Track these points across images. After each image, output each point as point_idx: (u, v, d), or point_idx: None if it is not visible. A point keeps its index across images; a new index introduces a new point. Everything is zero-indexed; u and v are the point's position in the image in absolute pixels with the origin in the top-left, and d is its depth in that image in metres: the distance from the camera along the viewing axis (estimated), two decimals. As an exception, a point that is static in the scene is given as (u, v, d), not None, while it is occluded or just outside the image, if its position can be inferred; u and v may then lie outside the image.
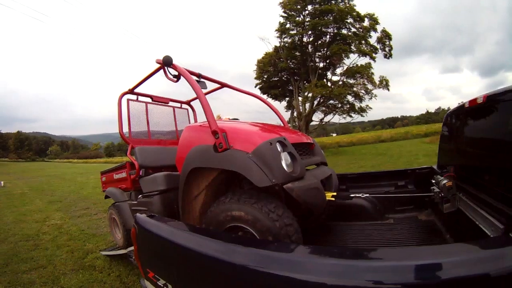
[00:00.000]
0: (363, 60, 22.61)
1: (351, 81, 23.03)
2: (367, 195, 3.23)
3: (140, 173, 3.43)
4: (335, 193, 2.41)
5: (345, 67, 23.14)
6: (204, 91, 2.52)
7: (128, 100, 3.75)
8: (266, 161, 1.89)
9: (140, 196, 3.37)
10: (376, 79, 22.54)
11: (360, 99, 23.01)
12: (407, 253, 1.27)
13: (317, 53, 23.97)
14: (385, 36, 22.56)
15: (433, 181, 2.63)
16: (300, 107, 24.28)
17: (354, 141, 30.60)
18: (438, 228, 2.70)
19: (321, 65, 24.12)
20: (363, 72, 22.02)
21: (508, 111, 1.70)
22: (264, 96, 22.29)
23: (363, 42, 22.26)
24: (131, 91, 3.67)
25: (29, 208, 8.06)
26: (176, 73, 2.53)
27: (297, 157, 2.11)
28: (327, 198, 2.19)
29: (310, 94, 23.20)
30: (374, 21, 22.00)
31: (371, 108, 23.44)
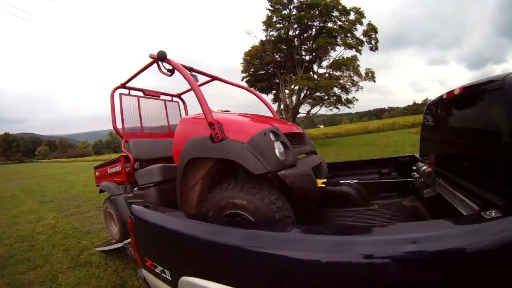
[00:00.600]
0: (349, 53, 22.84)
1: (338, 73, 23.24)
2: (356, 181, 3.37)
3: (136, 166, 3.46)
4: (325, 180, 2.48)
5: (331, 60, 23.30)
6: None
7: (121, 94, 3.74)
8: (261, 150, 1.95)
9: (135, 188, 3.38)
10: (362, 71, 22.81)
11: (347, 91, 23.26)
12: (387, 229, 1.41)
13: (303, 46, 24.08)
14: (371, 29, 22.76)
15: (414, 168, 2.76)
16: (287, 100, 24.36)
17: (342, 132, 30.87)
18: (421, 213, 2.80)
19: (307, 58, 24.24)
20: (349, 64, 22.22)
21: (481, 102, 1.81)
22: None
23: (349, 35, 22.40)
24: (123, 86, 3.66)
25: (21, 209, 7.98)
26: (170, 68, 2.56)
27: (289, 146, 2.19)
28: (318, 185, 2.28)
29: (296, 87, 23.31)
30: (360, 14, 22.13)
31: (357, 100, 23.75)
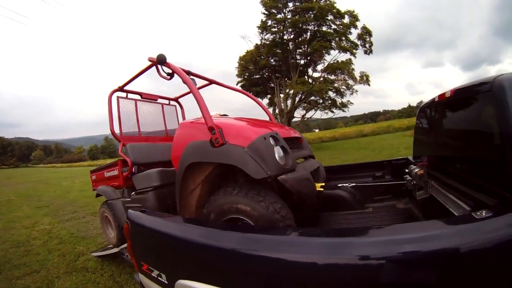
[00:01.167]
0: (344, 56, 22.98)
1: (332, 77, 23.36)
2: (354, 184, 3.38)
3: (133, 170, 3.41)
4: (323, 184, 2.51)
5: (326, 64, 23.45)
6: None
7: (118, 97, 3.74)
8: (261, 155, 1.96)
9: (133, 193, 3.36)
10: (357, 75, 22.94)
11: (342, 95, 23.37)
12: (376, 231, 1.41)
13: (298, 50, 24.16)
14: (366, 33, 22.92)
15: (406, 171, 2.78)
16: (282, 104, 24.43)
17: (337, 136, 30.97)
18: (415, 215, 2.82)
19: (302, 62, 24.38)
20: (344, 68, 22.34)
21: (472, 104, 1.83)
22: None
23: (343, 38, 22.55)
24: (121, 89, 3.63)
25: (17, 214, 7.92)
26: (170, 71, 2.54)
27: (289, 151, 2.21)
28: (316, 189, 2.29)
29: (291, 91, 23.36)
30: (354, 18, 22.28)
31: (352, 103, 23.82)
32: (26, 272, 3.78)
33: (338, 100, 23.62)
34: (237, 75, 26.50)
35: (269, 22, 23.13)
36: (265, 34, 23.74)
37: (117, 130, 3.68)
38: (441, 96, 2.25)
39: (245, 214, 2.01)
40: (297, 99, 24.01)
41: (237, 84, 26.11)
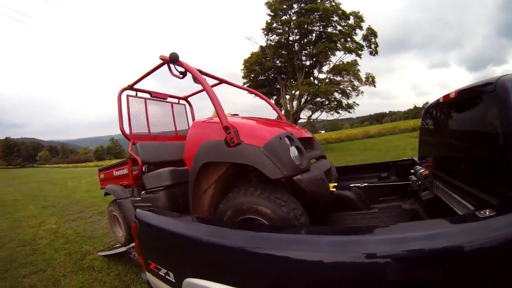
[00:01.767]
0: (349, 58, 22.89)
1: (338, 78, 23.25)
2: (366, 184, 3.39)
3: (144, 169, 3.40)
4: (336, 184, 2.51)
5: (332, 65, 23.36)
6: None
7: (128, 96, 3.74)
8: (277, 155, 1.96)
9: (143, 192, 3.35)
10: (363, 76, 22.85)
11: (347, 96, 23.25)
12: (379, 229, 1.42)
13: (303, 51, 24.10)
14: (371, 34, 22.82)
15: (412, 171, 2.78)
16: (288, 105, 24.37)
17: (343, 137, 30.86)
18: (421, 215, 2.82)
19: (308, 63, 24.27)
20: (350, 69, 22.24)
21: (476, 104, 1.84)
22: (251, 96, 22.35)
23: (348, 39, 22.46)
24: (130, 87, 3.66)
25: (23, 214, 7.99)
26: (182, 70, 2.53)
27: (303, 151, 2.21)
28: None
29: (297, 92, 23.31)
30: (359, 19, 22.19)
31: (358, 104, 23.68)
32: (33, 270, 3.82)
33: (344, 101, 23.53)
34: (242, 77, 26.50)
35: (274, 24, 23.08)
36: (270, 35, 23.73)
37: (126, 129, 3.67)
38: (446, 97, 2.26)
39: (264, 216, 2.01)
40: (302, 100, 23.98)
41: (243, 85, 25.98)
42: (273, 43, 23.88)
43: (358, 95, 23.18)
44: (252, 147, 2.04)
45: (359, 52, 22.51)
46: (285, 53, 23.92)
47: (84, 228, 5.95)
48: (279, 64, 25.04)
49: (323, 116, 24.96)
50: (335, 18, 22.05)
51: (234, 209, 2.14)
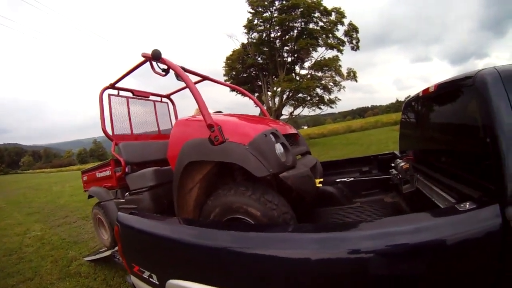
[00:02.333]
0: (331, 53, 23.06)
1: (319, 74, 23.43)
2: (352, 179, 3.42)
3: (127, 170, 3.32)
4: (322, 180, 2.52)
5: (313, 61, 23.52)
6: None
7: (110, 95, 3.64)
8: (262, 152, 1.94)
9: (127, 193, 3.29)
10: (344, 71, 23.10)
11: (329, 91, 23.47)
12: (358, 224, 1.43)
13: (285, 48, 24.15)
14: (352, 29, 23.01)
15: (392, 165, 2.80)
16: (270, 102, 24.43)
17: (325, 133, 31.11)
18: (403, 208, 2.87)
19: (289, 59, 24.38)
20: (331, 65, 22.41)
21: (455, 98, 1.86)
22: (233, 93, 22.32)
23: (330, 35, 22.62)
24: (112, 86, 3.57)
25: (8, 222, 7.84)
26: (165, 67, 2.48)
27: (289, 147, 2.18)
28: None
29: (279, 89, 23.37)
30: (340, 15, 22.31)
31: (340, 99, 23.94)
32: (20, 280, 3.76)
33: (326, 96, 23.77)
34: (224, 75, 26.37)
35: (256, 21, 23.03)
36: (252, 33, 23.66)
37: (108, 129, 3.58)
38: (425, 91, 2.28)
39: (253, 217, 1.99)
40: (284, 96, 24.04)
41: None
42: (254, 40, 23.85)
43: (340, 90, 23.45)
44: (237, 145, 2.01)
45: (341, 47, 22.72)
46: (267, 50, 23.93)
47: (69, 233, 5.87)
48: (261, 61, 25.07)
49: (305, 111, 25.17)
50: (317, 15, 22.13)
51: (223, 207, 2.11)
